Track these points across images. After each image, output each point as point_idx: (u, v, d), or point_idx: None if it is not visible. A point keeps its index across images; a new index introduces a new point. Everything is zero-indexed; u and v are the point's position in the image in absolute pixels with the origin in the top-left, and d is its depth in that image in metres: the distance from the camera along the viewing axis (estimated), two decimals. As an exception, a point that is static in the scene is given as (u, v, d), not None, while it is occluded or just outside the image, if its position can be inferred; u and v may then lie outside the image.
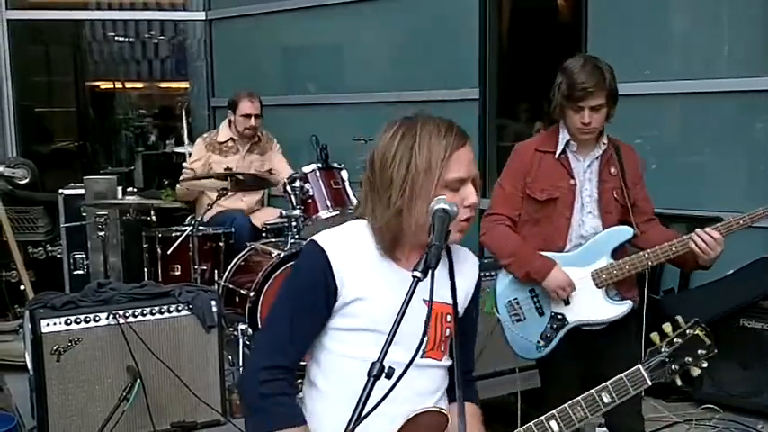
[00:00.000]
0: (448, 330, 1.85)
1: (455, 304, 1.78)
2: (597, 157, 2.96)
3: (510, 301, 3.01)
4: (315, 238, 1.82)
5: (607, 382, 1.84)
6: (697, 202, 4.78)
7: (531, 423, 1.83)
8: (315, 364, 1.87)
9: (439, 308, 1.81)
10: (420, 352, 1.73)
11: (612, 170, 2.93)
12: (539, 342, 2.96)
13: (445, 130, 1.76)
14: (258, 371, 1.78)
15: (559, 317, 2.94)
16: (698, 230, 2.78)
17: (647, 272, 3.43)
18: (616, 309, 2.92)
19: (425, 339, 1.73)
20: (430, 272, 1.57)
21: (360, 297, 1.77)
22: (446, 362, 1.89)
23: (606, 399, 1.82)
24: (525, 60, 5.89)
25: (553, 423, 1.81)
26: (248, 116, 5.22)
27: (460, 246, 1.92)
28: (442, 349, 1.87)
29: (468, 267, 1.95)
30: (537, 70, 5.84)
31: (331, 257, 1.76)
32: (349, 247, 1.79)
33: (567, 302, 2.93)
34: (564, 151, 2.96)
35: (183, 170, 5.35)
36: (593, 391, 1.82)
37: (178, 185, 5.32)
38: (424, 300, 1.61)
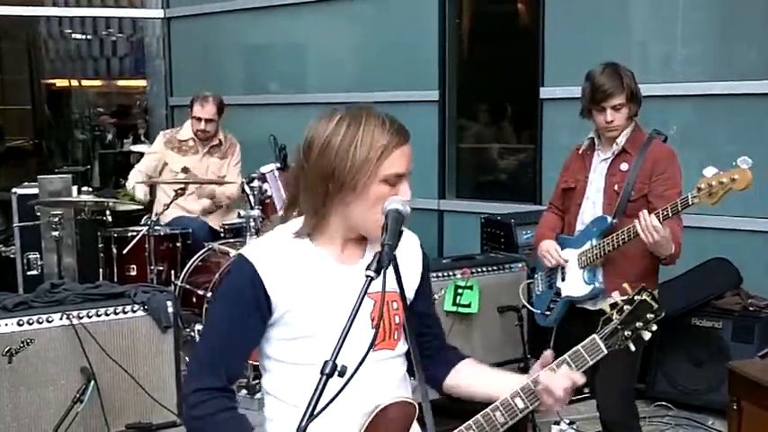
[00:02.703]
0: (397, 318, 1.83)
1: (402, 290, 1.74)
2: (613, 153, 3.20)
3: (538, 274, 3.51)
4: (242, 251, 1.79)
5: (565, 354, 1.88)
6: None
7: (498, 402, 1.81)
8: (267, 374, 1.84)
9: (383, 296, 1.72)
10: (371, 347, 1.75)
11: (623, 166, 3.17)
12: (545, 312, 3.42)
13: (389, 124, 1.74)
14: (189, 394, 1.74)
15: (558, 291, 3.33)
16: (643, 211, 2.94)
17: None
18: (584, 288, 3.21)
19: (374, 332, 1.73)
20: (383, 283, 1.55)
21: (290, 308, 1.74)
22: (400, 349, 1.87)
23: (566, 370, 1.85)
24: (485, 62, 5.94)
25: (518, 400, 1.80)
26: (198, 119, 5.14)
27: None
28: (395, 337, 1.84)
29: (410, 247, 1.91)
30: (496, 72, 5.91)
31: (260, 270, 1.73)
32: (277, 257, 1.75)
33: (563, 279, 3.31)
34: (592, 148, 3.28)
35: (134, 171, 5.27)
36: (553, 364, 1.85)
37: (128, 185, 5.26)
38: (368, 294, 1.58)
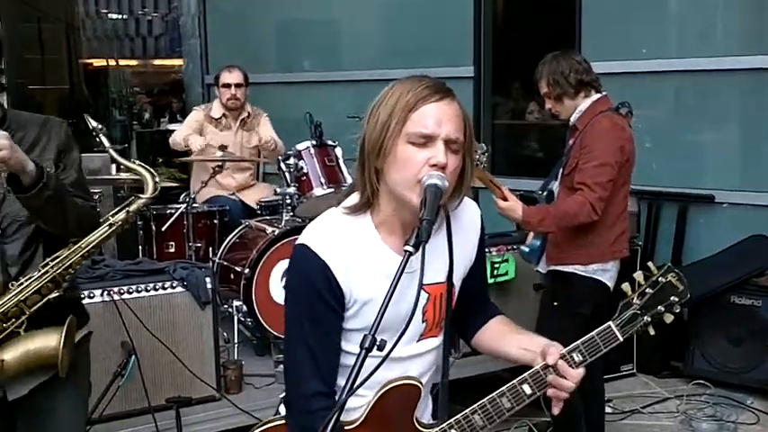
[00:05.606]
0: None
1: (450, 278, 1.74)
2: (569, 130, 3.41)
3: None
4: (307, 243, 1.68)
5: (578, 341, 1.75)
6: (691, 180, 4.80)
7: (504, 387, 1.74)
8: None
9: (438, 289, 1.76)
10: (417, 337, 1.76)
11: (570, 141, 3.36)
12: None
13: (421, 83, 1.65)
14: (303, 399, 1.69)
15: None
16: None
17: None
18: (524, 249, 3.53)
19: (424, 324, 1.76)
20: (421, 257, 1.52)
21: (358, 299, 1.68)
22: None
23: (578, 358, 1.73)
24: (520, 38, 5.87)
25: (526, 386, 1.73)
26: (228, 86, 5.26)
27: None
28: (441, 326, 1.81)
29: (468, 222, 1.84)
30: (532, 48, 5.84)
31: (331, 265, 1.65)
32: (343, 248, 1.67)
33: None
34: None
35: (176, 132, 5.36)
36: (565, 350, 1.74)
37: (176, 141, 5.30)
38: (423, 286, 1.57)
